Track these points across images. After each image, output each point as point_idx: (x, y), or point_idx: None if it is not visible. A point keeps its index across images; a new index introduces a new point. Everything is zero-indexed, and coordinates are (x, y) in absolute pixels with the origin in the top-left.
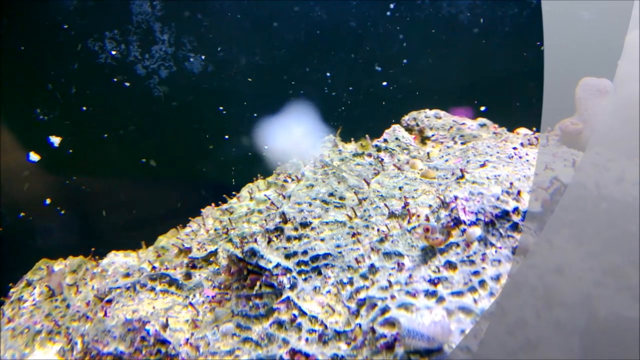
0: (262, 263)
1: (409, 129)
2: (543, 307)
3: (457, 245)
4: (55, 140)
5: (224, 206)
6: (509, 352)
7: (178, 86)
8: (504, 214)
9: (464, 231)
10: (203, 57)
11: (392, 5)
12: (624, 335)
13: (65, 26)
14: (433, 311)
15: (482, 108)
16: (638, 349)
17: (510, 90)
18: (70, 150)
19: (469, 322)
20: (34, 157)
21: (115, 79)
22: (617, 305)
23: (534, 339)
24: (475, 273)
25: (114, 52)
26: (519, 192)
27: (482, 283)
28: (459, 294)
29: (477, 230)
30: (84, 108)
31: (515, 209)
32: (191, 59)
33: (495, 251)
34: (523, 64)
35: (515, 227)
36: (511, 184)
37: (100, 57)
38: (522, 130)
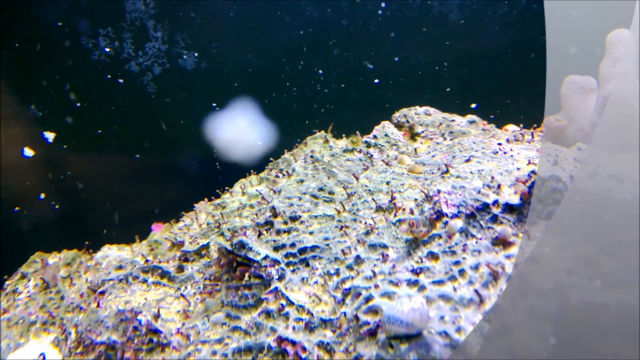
0: (250, 255)
1: (399, 126)
2: (518, 294)
3: (440, 237)
4: (50, 135)
5: (217, 201)
6: (485, 337)
7: (171, 83)
8: (485, 207)
9: (446, 223)
10: (196, 54)
11: (383, 4)
12: (596, 321)
13: (60, 24)
14: (413, 299)
15: (473, 105)
16: (609, 334)
17: (500, 88)
18: (65, 146)
19: (448, 309)
20: (29, 152)
21: (109, 76)
22: (588, 292)
23: (509, 325)
24: (456, 263)
25: (107, 50)
26: (499, 186)
27: (461, 272)
28: (439, 282)
29: (458, 223)
30: (78, 104)
31: (495, 202)
32: (184, 56)
33: (476, 242)
34: (513, 63)
35: (495, 219)
36: (492, 177)
37: (94, 54)
38: (511, 127)
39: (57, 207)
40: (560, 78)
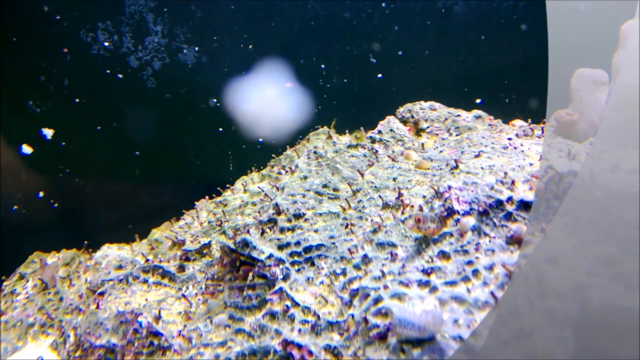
0: (254, 254)
1: (403, 121)
2: (536, 296)
3: (451, 235)
4: (48, 132)
5: (218, 199)
6: (502, 341)
7: (171, 78)
8: (498, 204)
9: (457, 221)
10: (197, 48)
11: None
12: (618, 324)
13: (58, 17)
14: (425, 300)
15: (478, 100)
16: (632, 339)
17: (506, 83)
18: (63, 143)
19: (462, 311)
20: (27, 149)
21: (108, 71)
22: (610, 294)
23: (527, 328)
24: (469, 263)
25: (106, 44)
26: (513, 182)
27: (475, 273)
28: (452, 283)
29: (470, 220)
30: (77, 100)
31: (509, 199)
32: (185, 51)
33: (489, 241)
34: (519, 56)
35: (509, 216)
36: (505, 173)
37: (93, 48)
38: (518, 122)
39: (55, 205)
40: (568, 71)
